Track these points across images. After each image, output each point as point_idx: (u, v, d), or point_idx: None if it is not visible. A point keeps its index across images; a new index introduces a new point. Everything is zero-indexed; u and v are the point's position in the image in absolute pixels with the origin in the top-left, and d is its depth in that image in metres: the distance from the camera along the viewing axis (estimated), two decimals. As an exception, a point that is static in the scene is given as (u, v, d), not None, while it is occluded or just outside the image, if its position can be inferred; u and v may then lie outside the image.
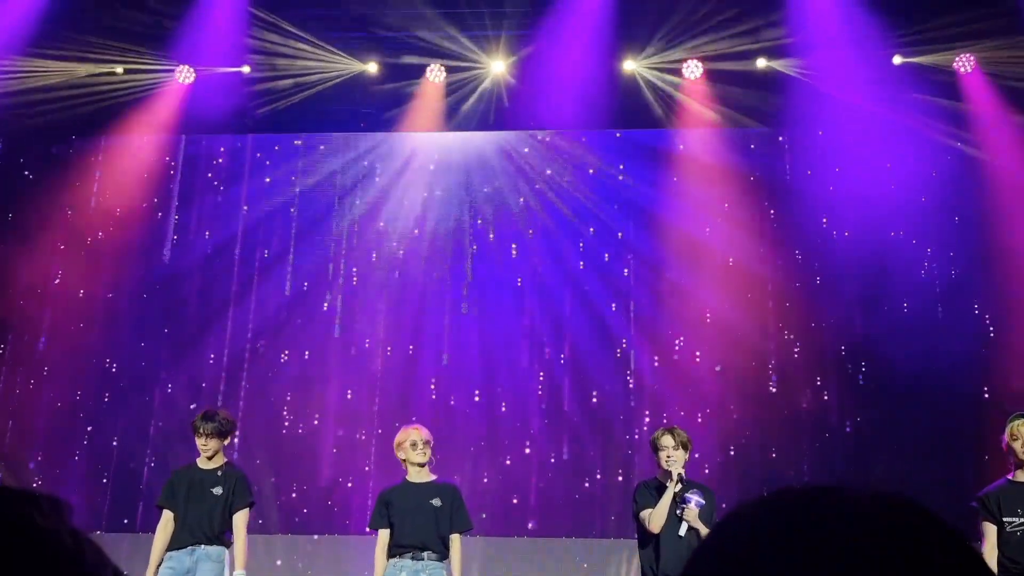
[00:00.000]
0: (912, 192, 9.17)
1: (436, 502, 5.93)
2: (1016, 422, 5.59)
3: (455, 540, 5.92)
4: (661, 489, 5.64)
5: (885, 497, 0.70)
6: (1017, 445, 5.53)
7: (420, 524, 5.85)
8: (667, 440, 5.67)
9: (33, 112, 9.60)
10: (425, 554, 5.82)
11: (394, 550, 5.87)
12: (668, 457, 5.63)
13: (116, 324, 9.64)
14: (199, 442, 6.08)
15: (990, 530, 5.50)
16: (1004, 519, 5.46)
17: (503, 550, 8.73)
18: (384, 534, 5.94)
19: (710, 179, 9.64)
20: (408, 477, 6.07)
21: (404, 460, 6.09)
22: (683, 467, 5.65)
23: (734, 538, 0.71)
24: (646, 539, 5.66)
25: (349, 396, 9.40)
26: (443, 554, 5.88)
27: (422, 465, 6.02)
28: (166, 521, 6.07)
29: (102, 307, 9.69)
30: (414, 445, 6.01)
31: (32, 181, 10.11)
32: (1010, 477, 5.61)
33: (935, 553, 0.66)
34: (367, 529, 6.13)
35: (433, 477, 6.10)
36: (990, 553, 5.46)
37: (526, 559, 8.73)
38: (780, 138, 9.76)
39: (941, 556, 0.66)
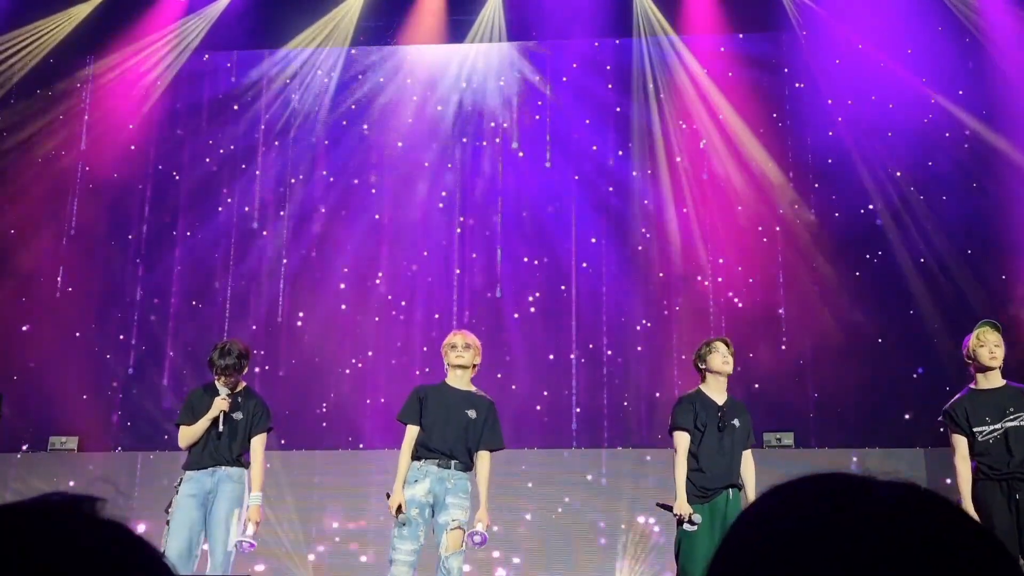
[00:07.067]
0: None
1: (472, 413, 5.72)
2: (984, 328, 5.50)
3: (484, 457, 5.73)
4: (704, 405, 5.79)
5: (905, 486, 0.71)
6: (984, 352, 5.45)
7: (452, 431, 5.65)
8: (721, 346, 5.95)
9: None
10: (452, 463, 5.62)
11: (421, 451, 5.64)
12: (724, 359, 5.87)
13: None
14: (218, 381, 5.99)
15: (960, 442, 5.44)
16: (974, 429, 5.40)
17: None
18: (413, 430, 5.71)
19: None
20: (447, 380, 5.87)
21: (447, 364, 5.87)
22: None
23: (759, 532, 0.71)
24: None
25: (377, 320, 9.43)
26: (468, 465, 5.70)
27: (462, 368, 5.80)
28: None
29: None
30: (453, 347, 5.83)
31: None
32: (972, 386, 5.55)
33: (960, 543, 0.68)
34: (396, 419, 5.83)
35: (473, 388, 5.87)
36: (961, 464, 5.43)
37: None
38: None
39: (964, 546, 0.68)
